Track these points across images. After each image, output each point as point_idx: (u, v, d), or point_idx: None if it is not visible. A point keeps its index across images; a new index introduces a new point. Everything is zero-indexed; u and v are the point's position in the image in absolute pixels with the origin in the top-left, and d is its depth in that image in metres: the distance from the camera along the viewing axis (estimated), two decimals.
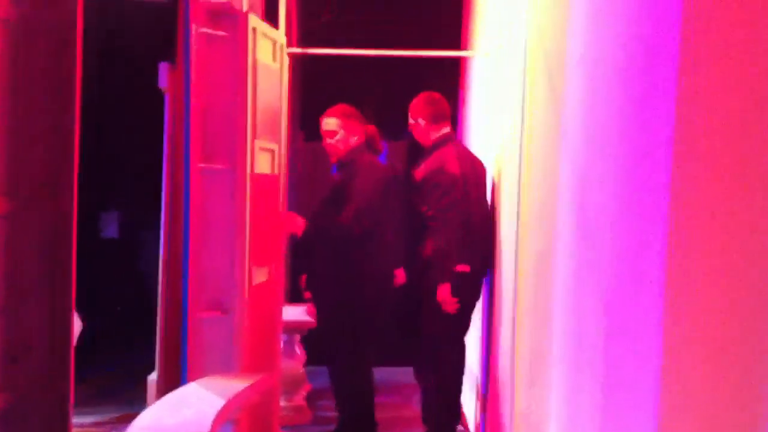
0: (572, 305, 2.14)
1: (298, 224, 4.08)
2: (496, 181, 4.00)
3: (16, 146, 3.45)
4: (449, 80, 6.02)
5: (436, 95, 4.24)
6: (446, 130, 4.18)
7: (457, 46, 5.93)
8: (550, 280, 2.44)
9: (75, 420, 3.92)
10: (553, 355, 2.36)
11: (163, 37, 4.55)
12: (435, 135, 4.14)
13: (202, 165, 3.35)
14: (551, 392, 2.36)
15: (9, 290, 3.42)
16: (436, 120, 4.14)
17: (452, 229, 3.86)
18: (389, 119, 5.29)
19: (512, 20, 3.50)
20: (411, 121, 4.15)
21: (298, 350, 4.96)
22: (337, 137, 4.21)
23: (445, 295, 3.87)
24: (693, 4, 1.33)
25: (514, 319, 3.15)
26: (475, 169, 4.13)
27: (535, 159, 2.86)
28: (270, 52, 3.77)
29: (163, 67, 4.54)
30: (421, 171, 4.07)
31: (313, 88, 6.03)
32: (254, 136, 3.50)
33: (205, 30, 3.38)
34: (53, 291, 3.55)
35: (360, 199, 4.08)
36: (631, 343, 1.57)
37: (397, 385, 5.68)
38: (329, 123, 4.25)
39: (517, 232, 3.13)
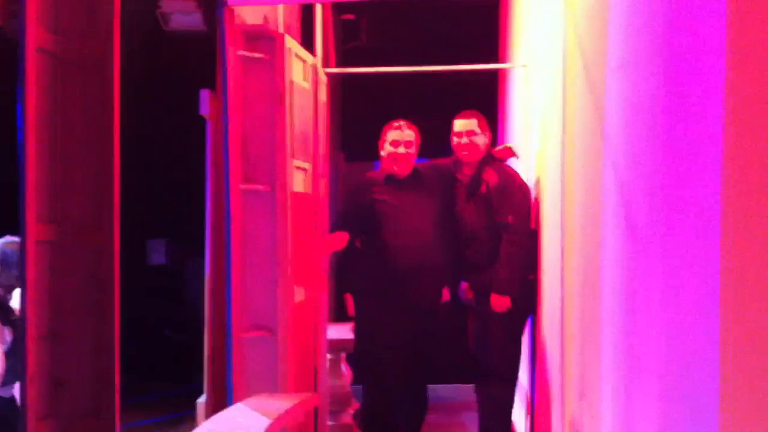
0: (622, 315, 2.08)
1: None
2: (538, 188, 3.95)
3: (61, 176, 3.52)
4: (487, 93, 5.99)
5: None
6: None
7: (495, 59, 5.90)
8: (598, 290, 2.38)
9: None
10: (603, 366, 2.30)
11: (204, 65, 4.62)
12: (483, 150, 4.18)
13: (242, 186, 3.37)
14: (602, 404, 2.30)
15: (54, 316, 3.48)
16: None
17: (528, 238, 3.92)
18: (428, 135, 5.27)
19: (550, 30, 3.47)
20: (477, 131, 4.15)
21: (344, 369, 4.94)
22: (412, 150, 4.28)
23: (504, 304, 3.89)
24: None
25: (561, 329, 3.09)
26: None
27: (576, 166, 2.82)
28: (302, 72, 3.79)
29: (204, 94, 4.60)
30: (492, 180, 4.05)
31: (351, 108, 6.05)
32: (292, 156, 3.51)
33: (242, 53, 3.42)
34: (98, 318, 3.59)
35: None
36: (690, 357, 1.52)
37: (443, 403, 5.63)
38: (411, 134, 4.31)
39: (561, 240, 3.08)
